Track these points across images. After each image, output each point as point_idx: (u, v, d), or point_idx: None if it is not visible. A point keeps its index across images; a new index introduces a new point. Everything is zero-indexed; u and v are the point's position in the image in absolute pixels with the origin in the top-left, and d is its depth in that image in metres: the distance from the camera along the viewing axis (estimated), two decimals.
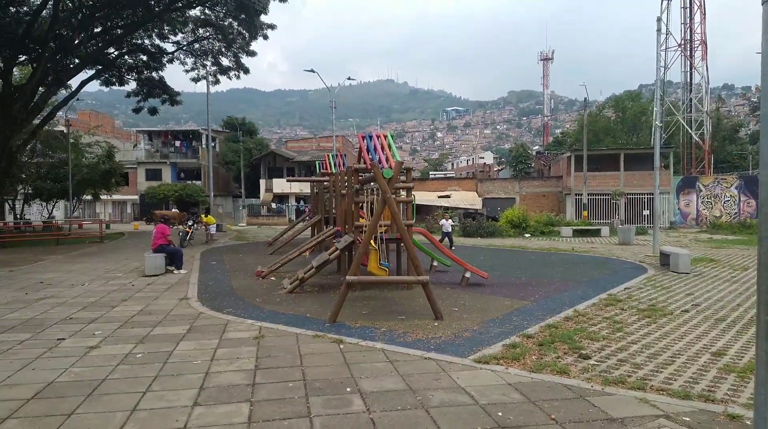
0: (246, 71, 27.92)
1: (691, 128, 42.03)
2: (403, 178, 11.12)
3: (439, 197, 38.97)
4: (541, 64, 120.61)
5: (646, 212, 34.32)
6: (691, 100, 42.51)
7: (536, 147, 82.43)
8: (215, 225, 24.95)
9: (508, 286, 10.96)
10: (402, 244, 10.53)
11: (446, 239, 19.77)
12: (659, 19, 19.99)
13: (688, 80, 42.80)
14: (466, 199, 38.94)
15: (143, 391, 4.84)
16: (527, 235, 27.28)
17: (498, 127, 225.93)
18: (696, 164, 42.35)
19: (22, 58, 24.41)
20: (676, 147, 41.12)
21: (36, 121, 25.09)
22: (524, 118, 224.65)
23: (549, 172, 48.46)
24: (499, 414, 4.26)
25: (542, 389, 4.82)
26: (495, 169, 71.50)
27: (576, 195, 35.60)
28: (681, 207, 35.27)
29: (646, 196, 34.23)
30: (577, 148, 40.04)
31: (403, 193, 11.67)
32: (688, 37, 41.95)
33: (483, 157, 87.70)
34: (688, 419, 4.15)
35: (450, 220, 21.16)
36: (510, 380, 5.07)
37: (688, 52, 42.18)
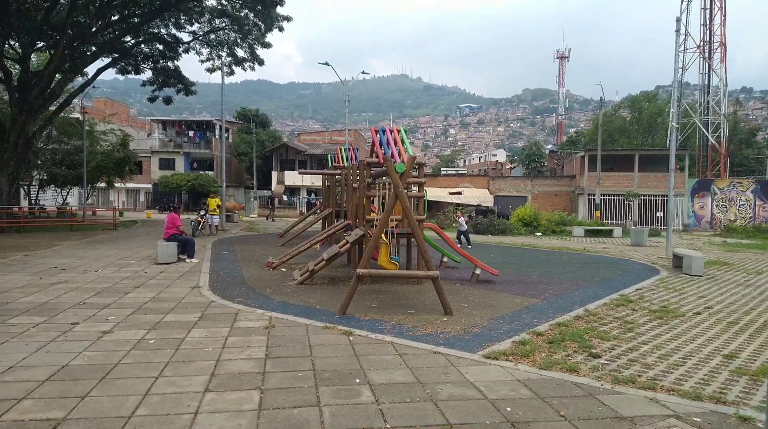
0: (261, 63, 27.99)
1: (707, 131, 41.52)
2: (415, 173, 11.10)
3: (451, 194, 38.86)
4: (557, 62, 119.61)
5: (659, 214, 33.99)
6: (708, 102, 41.95)
7: (550, 146, 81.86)
8: (217, 217, 23.12)
9: (518, 284, 10.93)
10: (412, 239, 10.53)
11: (463, 238, 19.45)
12: (678, 20, 19.72)
13: (706, 82, 42.23)
14: (478, 196, 38.81)
15: (155, 376, 4.90)
16: (538, 234, 27.16)
17: (511, 124, 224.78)
18: (712, 167, 41.85)
19: (40, 44, 24.65)
20: (691, 149, 40.67)
21: (52, 108, 25.32)
22: (538, 117, 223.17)
23: (562, 171, 48.15)
24: (508, 409, 4.27)
25: (551, 386, 4.82)
26: (507, 166, 71.14)
27: (589, 195, 35.34)
28: (695, 209, 34.89)
29: (660, 198, 33.89)
30: (591, 147, 39.73)
31: (415, 188, 11.64)
32: (708, 39, 41.37)
33: (495, 155, 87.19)
34: (698, 420, 4.13)
35: (463, 218, 20.99)
36: (519, 376, 5.07)
37: (707, 53, 41.60)
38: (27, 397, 4.34)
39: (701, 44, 41.40)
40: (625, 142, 47.68)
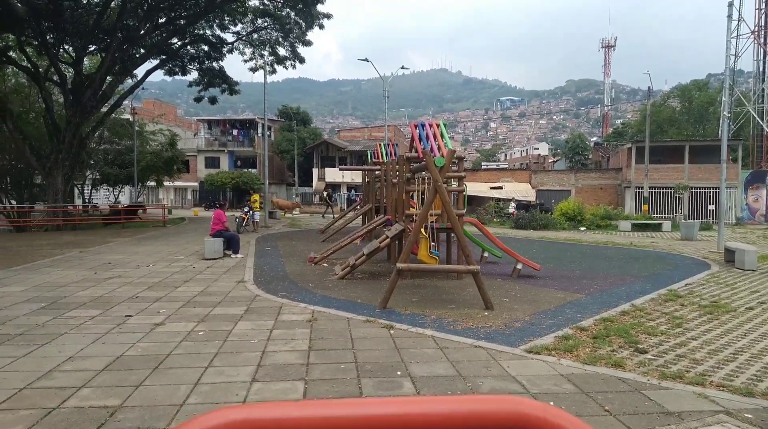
0: (302, 61, 28.37)
1: (762, 120, 39.54)
2: (454, 167, 11.07)
3: (491, 188, 38.46)
4: (602, 51, 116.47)
5: (711, 207, 32.67)
6: (763, 90, 39.91)
7: (594, 138, 79.85)
8: (259, 213, 23.79)
9: (561, 279, 10.76)
10: (452, 234, 10.52)
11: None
12: (731, 5, 18.83)
13: (761, 69, 40.19)
14: (519, 190, 38.24)
15: (205, 366, 5.09)
16: (582, 229, 26.57)
17: (554, 117, 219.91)
18: (767, 158, 39.86)
19: (92, 48, 25.73)
20: (745, 139, 38.84)
21: (104, 109, 26.42)
22: (582, 108, 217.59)
23: (607, 163, 46.87)
24: (551, 403, 4.24)
25: (596, 381, 4.76)
26: (550, 160, 69.80)
27: (636, 188, 34.29)
28: (749, 202, 33.35)
29: (711, 191, 32.56)
30: (638, 138, 38.51)
31: (455, 182, 11.61)
32: (763, 24, 39.32)
33: (537, 148, 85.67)
34: (750, 416, 4.00)
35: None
36: (562, 371, 5.02)
37: (762, 39, 39.56)
38: (86, 386, 4.58)
39: (756, 29, 39.39)
40: (675, 132, 45.98)
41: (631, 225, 26.67)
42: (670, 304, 8.29)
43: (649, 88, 38.22)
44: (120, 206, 29.61)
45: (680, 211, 32.92)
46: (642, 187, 33.54)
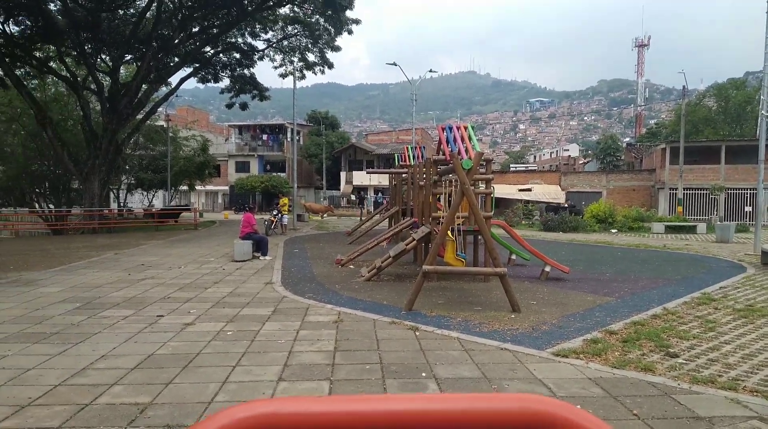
0: (330, 66, 28.64)
1: None
2: (482, 169, 11.01)
3: (520, 190, 38.04)
4: (635, 50, 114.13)
5: (748, 208, 31.62)
6: None
7: (627, 139, 78.19)
8: (287, 216, 24.17)
9: (590, 282, 10.58)
10: (479, 236, 10.45)
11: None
12: None
13: None
14: (549, 192, 37.74)
15: (233, 366, 5.19)
16: (614, 231, 26.05)
17: (585, 118, 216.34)
18: None
19: (128, 57, 26.52)
20: None
21: (139, 116, 27.17)
22: (615, 109, 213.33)
23: (640, 165, 45.84)
24: (578, 407, 4.18)
25: (625, 385, 4.67)
26: (580, 161, 68.60)
27: (670, 189, 33.44)
28: None
29: (748, 192, 31.51)
30: (673, 139, 37.57)
31: (482, 184, 11.55)
32: None
33: (567, 150, 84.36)
34: None
35: None
36: (590, 375, 4.95)
37: None
38: (117, 383, 4.71)
39: None
40: (711, 132, 44.68)
41: (664, 227, 26.03)
42: (703, 307, 8.07)
43: (684, 87, 37.25)
44: (171, 205, 30.63)
45: (716, 212, 31.96)
46: (676, 189, 32.69)
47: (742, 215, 31.76)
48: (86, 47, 23.53)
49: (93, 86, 25.15)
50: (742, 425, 3.83)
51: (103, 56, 26.24)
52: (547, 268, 10.97)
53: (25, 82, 23.92)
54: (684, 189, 32.58)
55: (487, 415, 0.74)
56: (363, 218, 28.75)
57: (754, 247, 16.06)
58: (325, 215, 37.90)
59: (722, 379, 4.83)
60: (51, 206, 28.59)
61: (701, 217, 31.31)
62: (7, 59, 22.04)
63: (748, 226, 27.17)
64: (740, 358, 5.52)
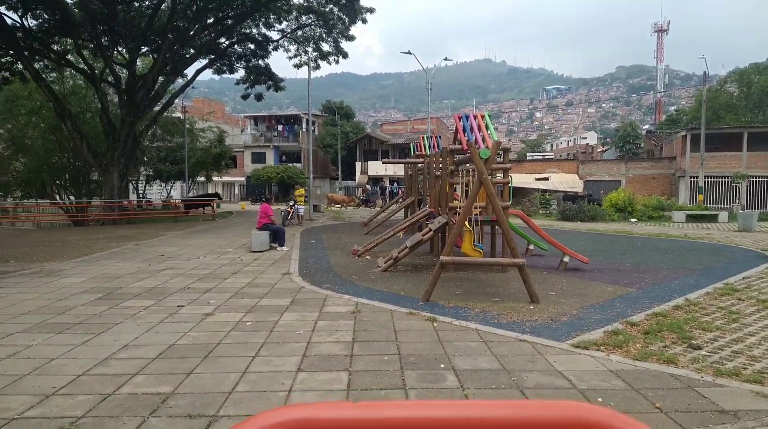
0: (345, 56, 28.52)
1: None
2: (499, 159, 10.90)
3: (537, 179, 37.68)
4: (654, 35, 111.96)
5: None
6: None
7: (646, 126, 76.85)
8: (303, 206, 24.06)
9: (610, 272, 10.45)
10: (497, 227, 10.37)
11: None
12: None
13: None
14: (566, 181, 37.32)
15: (252, 356, 5.22)
16: (633, 220, 25.71)
17: (603, 105, 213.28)
18: None
19: (144, 49, 26.70)
20: None
21: (156, 108, 27.39)
22: (634, 96, 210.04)
23: (660, 152, 45.11)
24: (599, 399, 4.14)
25: (646, 378, 4.61)
26: (599, 150, 67.74)
27: (691, 177, 32.87)
28: None
29: None
30: (694, 125, 36.85)
31: (500, 174, 11.44)
32: None
33: (585, 138, 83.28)
34: None
35: None
36: (611, 367, 4.88)
37: None
38: (139, 373, 4.77)
39: None
40: (732, 119, 43.72)
41: (685, 216, 25.63)
42: (726, 298, 7.93)
43: (704, 72, 36.44)
44: (193, 196, 31.27)
45: (738, 201, 31.34)
46: (697, 177, 32.12)
47: (765, 203, 31.12)
48: (103, 40, 23.73)
49: (110, 79, 25.38)
50: None
51: (120, 49, 26.45)
52: (566, 259, 10.86)
53: (43, 75, 24.23)
54: (705, 177, 31.99)
55: (528, 424, 0.71)
56: (381, 207, 28.78)
57: None
58: (348, 206, 37.97)
59: (747, 371, 4.74)
60: (71, 198, 29.06)
61: (723, 206, 30.75)
62: (26, 53, 22.34)
63: None
64: (765, 350, 5.41)
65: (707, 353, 5.30)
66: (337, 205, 37.16)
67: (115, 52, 26.16)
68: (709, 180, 32.43)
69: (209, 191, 48.44)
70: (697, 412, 3.89)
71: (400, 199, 23.24)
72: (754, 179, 31.96)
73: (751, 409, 3.94)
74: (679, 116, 57.94)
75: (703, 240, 16.70)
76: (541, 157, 58.39)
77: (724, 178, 32.23)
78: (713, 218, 25.84)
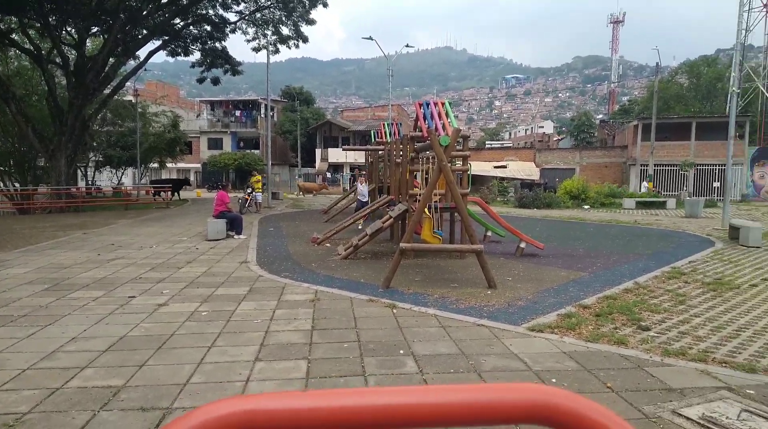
0: (305, 40, 28.04)
1: None
2: (459, 146, 10.98)
3: (495, 167, 38.27)
4: (610, 26, 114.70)
5: (716, 184, 32.47)
6: None
7: (600, 115, 79.01)
8: (261, 193, 23.38)
9: (564, 257, 10.74)
10: (456, 214, 10.47)
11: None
12: None
13: None
14: (523, 169, 38.07)
15: (208, 346, 5.11)
16: (586, 207, 26.47)
17: (560, 95, 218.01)
18: None
19: (95, 29, 25.49)
20: (753, 115, 38.35)
21: (107, 91, 26.29)
22: (589, 86, 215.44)
23: (613, 141, 46.53)
24: (553, 380, 4.25)
25: (598, 358, 4.76)
26: (555, 138, 69.24)
27: (642, 165, 34.05)
28: (755, 179, 33.11)
29: (717, 168, 32.34)
30: (645, 115, 38.10)
31: (459, 161, 11.54)
32: None
33: (542, 127, 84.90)
34: (752, 392, 3.99)
35: None
36: (565, 349, 5.02)
37: None
38: (89, 366, 4.60)
39: None
40: (682, 109, 45.41)
41: (635, 203, 26.56)
42: (673, 281, 8.27)
43: (657, 64, 37.67)
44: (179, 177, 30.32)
45: (685, 188, 32.71)
46: (647, 165, 33.30)
47: (710, 191, 32.57)
48: (50, 19, 22.50)
49: (58, 60, 24.16)
50: (712, 395, 3.93)
51: (69, 28, 25.16)
52: (523, 245, 11.08)
53: None
54: (655, 165, 33.20)
55: (486, 408, 0.69)
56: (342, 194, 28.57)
57: (722, 222, 16.49)
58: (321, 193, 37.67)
59: (693, 351, 4.96)
60: (16, 185, 27.66)
61: (671, 193, 32.01)
62: None
63: (716, 201, 27.91)
64: (710, 330, 5.67)
65: (655, 334, 5.51)
66: (309, 194, 36.96)
67: (64, 31, 24.87)
68: (659, 168, 33.66)
69: (163, 178, 47.16)
70: (646, 390, 4.04)
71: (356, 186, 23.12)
72: (701, 167, 33.36)
73: (696, 386, 4.12)
74: (632, 106, 59.75)
75: (652, 226, 17.36)
76: (499, 146, 59.27)
77: (672, 167, 33.51)
78: (662, 205, 26.88)
